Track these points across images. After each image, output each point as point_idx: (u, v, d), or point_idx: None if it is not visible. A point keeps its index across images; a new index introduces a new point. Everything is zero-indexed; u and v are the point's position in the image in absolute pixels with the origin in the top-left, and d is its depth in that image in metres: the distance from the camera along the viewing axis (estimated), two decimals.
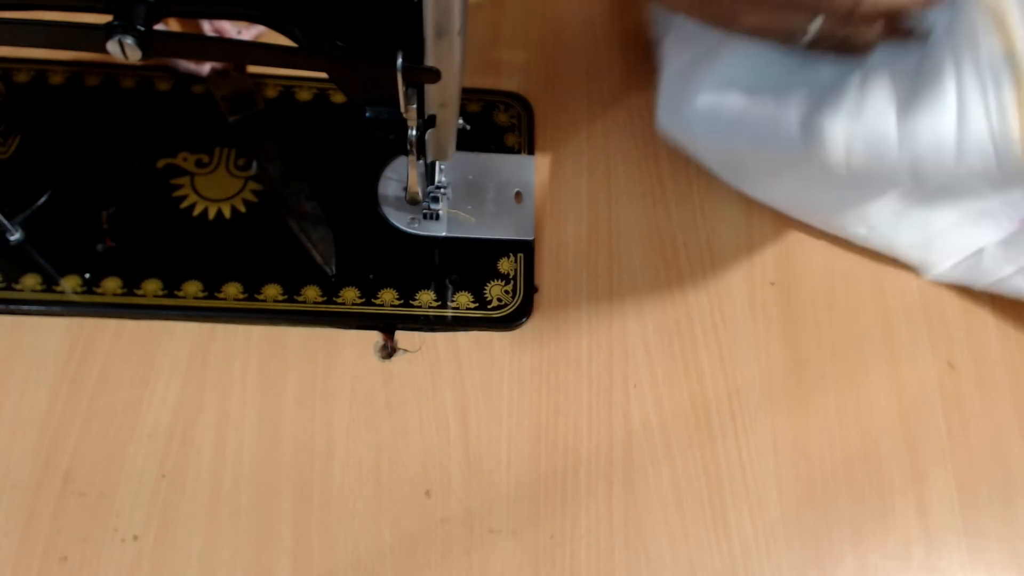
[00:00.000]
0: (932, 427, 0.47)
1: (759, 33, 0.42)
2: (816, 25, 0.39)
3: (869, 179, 0.43)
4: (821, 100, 0.42)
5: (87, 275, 0.47)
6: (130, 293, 0.47)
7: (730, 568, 0.43)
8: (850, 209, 0.48)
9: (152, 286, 0.47)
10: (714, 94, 0.46)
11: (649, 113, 0.52)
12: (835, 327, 0.49)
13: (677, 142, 0.50)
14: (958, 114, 0.38)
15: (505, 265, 0.49)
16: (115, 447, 0.43)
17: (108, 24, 0.34)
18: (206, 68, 0.54)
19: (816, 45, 0.41)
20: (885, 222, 0.48)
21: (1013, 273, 0.47)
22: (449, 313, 0.48)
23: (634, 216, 0.51)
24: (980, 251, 0.48)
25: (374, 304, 0.48)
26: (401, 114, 0.38)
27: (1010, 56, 0.37)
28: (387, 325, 0.48)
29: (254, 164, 0.51)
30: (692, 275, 0.50)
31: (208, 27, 0.54)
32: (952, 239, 0.48)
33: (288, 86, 0.54)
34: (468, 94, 0.55)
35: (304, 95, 0.54)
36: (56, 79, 0.53)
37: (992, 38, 0.37)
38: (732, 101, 0.45)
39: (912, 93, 0.39)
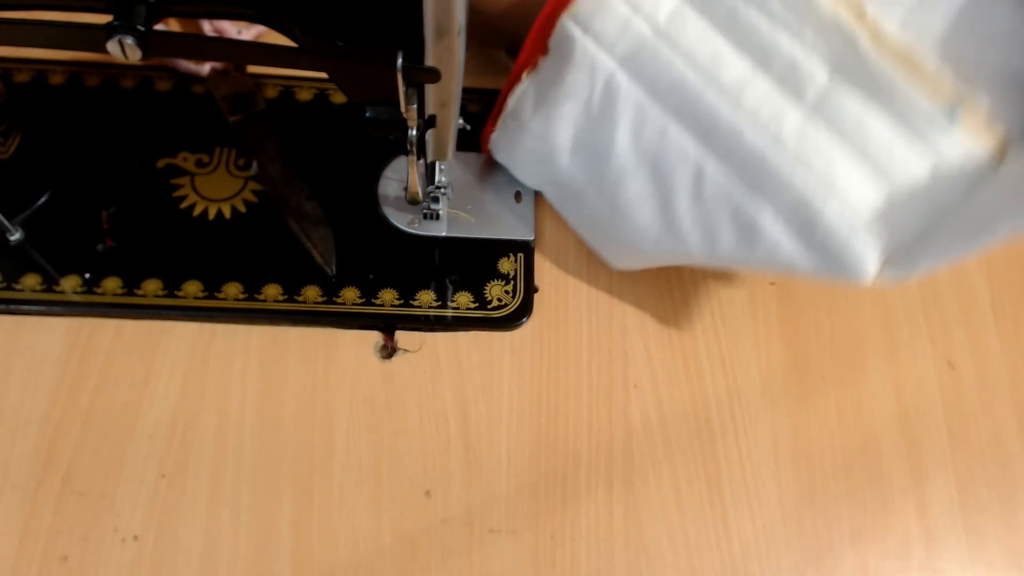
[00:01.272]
0: (932, 427, 0.47)
1: None
2: None
3: None
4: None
5: (87, 275, 0.47)
6: (130, 293, 0.47)
7: (730, 568, 0.43)
8: None
9: (152, 286, 0.47)
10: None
11: None
12: (835, 327, 0.49)
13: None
14: (937, 170, 0.39)
15: (505, 265, 0.49)
16: (115, 447, 0.43)
17: (108, 24, 0.34)
18: (206, 68, 0.54)
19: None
20: None
21: None
22: (449, 313, 0.48)
23: None
24: None
25: (374, 304, 0.48)
26: (401, 114, 0.37)
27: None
28: (387, 325, 0.48)
29: (254, 164, 0.51)
30: (692, 275, 0.50)
31: (208, 27, 0.54)
32: None
33: (288, 86, 0.54)
34: (468, 94, 0.54)
35: (304, 95, 0.54)
36: (56, 79, 0.53)
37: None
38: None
39: (889, 181, 0.39)
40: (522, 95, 0.46)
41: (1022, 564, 0.44)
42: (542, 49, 0.44)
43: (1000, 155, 0.38)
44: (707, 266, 0.44)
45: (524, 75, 0.46)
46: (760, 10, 0.40)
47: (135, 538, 0.41)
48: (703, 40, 0.41)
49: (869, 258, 0.38)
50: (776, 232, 0.39)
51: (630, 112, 0.42)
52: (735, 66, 0.40)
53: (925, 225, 0.38)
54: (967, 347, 0.49)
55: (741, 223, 0.40)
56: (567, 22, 0.43)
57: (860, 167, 0.38)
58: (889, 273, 0.38)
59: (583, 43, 0.42)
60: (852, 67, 0.39)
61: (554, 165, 0.46)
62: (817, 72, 0.39)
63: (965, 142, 0.38)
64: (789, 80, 0.40)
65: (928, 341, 0.49)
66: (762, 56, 0.40)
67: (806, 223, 0.38)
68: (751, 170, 0.39)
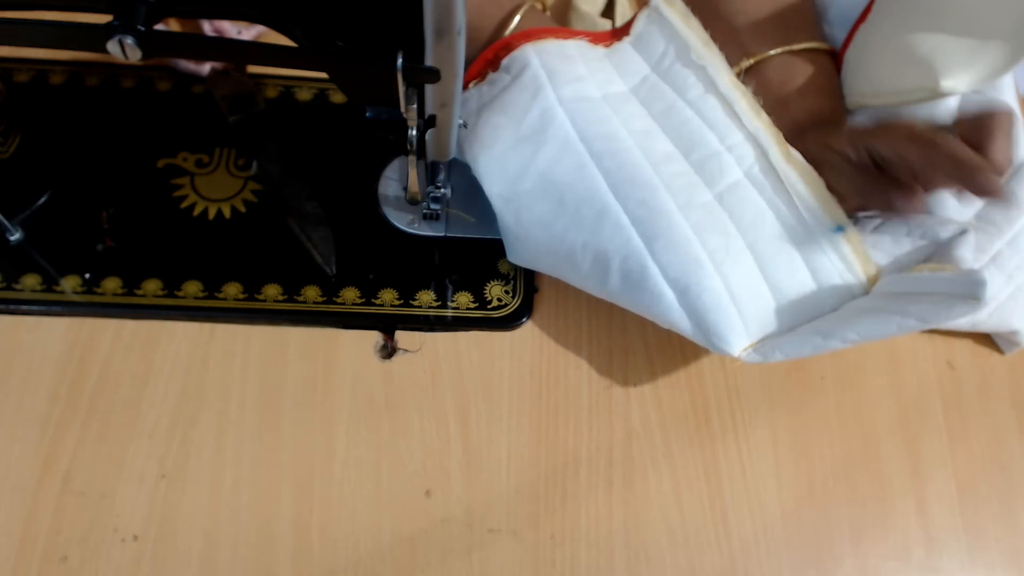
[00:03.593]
0: (932, 427, 0.47)
1: None
2: None
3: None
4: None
5: (87, 275, 0.47)
6: (130, 293, 0.47)
7: (730, 568, 0.43)
8: None
9: (152, 286, 0.47)
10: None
11: None
12: None
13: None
14: (814, 278, 0.43)
15: (505, 265, 0.49)
16: (115, 447, 0.43)
17: (108, 24, 0.34)
18: (206, 68, 0.54)
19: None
20: None
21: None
22: (449, 313, 0.48)
23: None
24: None
25: (374, 304, 0.48)
26: (401, 114, 0.38)
27: (839, 222, 0.43)
28: (387, 325, 0.48)
29: (254, 164, 0.51)
30: None
31: (208, 27, 0.54)
32: None
33: (288, 86, 0.54)
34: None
35: (304, 95, 0.54)
36: (56, 79, 0.53)
37: (822, 213, 0.43)
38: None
39: (769, 275, 0.43)
40: (465, 100, 0.48)
41: (1022, 565, 0.44)
42: (494, 66, 0.47)
43: (871, 284, 0.43)
44: (607, 299, 0.46)
45: (471, 84, 0.48)
46: (695, 112, 0.45)
47: (135, 538, 0.41)
48: (639, 118, 0.46)
49: (733, 341, 0.41)
50: (660, 285, 0.42)
51: (556, 142, 0.44)
52: (662, 143, 0.45)
53: (789, 325, 0.43)
54: (967, 347, 0.49)
55: (630, 268, 0.42)
56: (529, 49, 0.46)
57: (744, 259, 0.42)
58: (750, 357, 0.42)
59: (536, 71, 0.45)
60: (763, 172, 0.44)
61: (476, 168, 0.46)
62: (732, 169, 0.44)
63: (847, 259, 0.43)
64: (705, 168, 0.44)
65: (928, 341, 0.49)
66: (686, 145, 0.45)
67: (685, 288, 0.42)
68: (652, 224, 0.42)
